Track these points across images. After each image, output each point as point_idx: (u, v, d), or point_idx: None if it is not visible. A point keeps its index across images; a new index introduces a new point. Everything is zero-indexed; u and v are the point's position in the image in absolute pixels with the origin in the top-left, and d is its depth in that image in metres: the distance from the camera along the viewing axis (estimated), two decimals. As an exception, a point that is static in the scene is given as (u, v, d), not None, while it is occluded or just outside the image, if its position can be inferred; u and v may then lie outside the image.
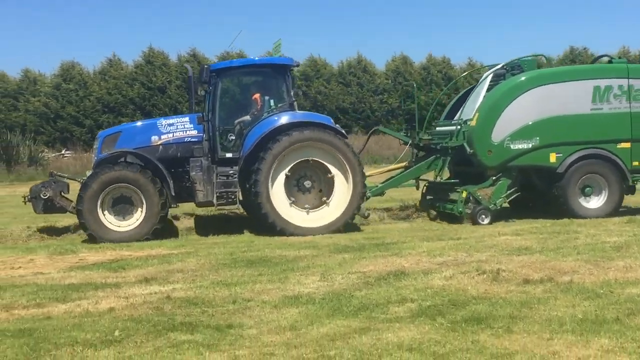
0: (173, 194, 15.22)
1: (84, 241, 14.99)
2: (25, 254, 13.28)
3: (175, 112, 53.05)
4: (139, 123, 18.12)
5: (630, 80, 16.40)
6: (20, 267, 11.76)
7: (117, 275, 10.67)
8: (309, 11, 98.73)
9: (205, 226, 16.54)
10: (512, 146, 15.97)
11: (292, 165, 15.26)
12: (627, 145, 16.38)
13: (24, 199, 15.67)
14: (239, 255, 12.07)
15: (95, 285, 9.90)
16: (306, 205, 15.46)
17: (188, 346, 6.79)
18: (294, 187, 15.51)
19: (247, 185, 15.31)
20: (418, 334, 6.99)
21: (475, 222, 15.77)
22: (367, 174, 16.47)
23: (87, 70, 54.33)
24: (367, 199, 16.78)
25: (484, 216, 15.89)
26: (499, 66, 17.43)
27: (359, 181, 15.40)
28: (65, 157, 46.10)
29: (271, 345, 6.80)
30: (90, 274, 10.82)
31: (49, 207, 15.46)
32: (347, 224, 15.46)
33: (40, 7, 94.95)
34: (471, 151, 16.19)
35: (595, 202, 16.37)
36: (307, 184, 15.59)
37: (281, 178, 15.26)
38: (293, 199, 15.39)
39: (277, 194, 15.21)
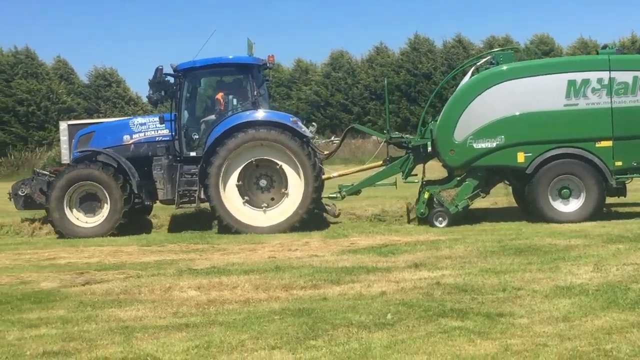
0: (136, 191, 15.58)
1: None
2: (301, 237, 13.99)
3: (441, 99, 53.26)
4: (113, 123, 18.85)
5: (612, 72, 14.54)
6: (297, 249, 12.42)
7: (387, 259, 10.96)
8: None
9: (473, 213, 16.46)
10: (475, 145, 14.78)
11: (246, 163, 15.30)
12: (609, 143, 14.61)
13: (9, 195, 16.63)
14: (507, 243, 11.95)
15: (367, 268, 10.24)
16: (263, 205, 15.49)
17: (459, 333, 6.85)
18: (254, 185, 15.61)
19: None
20: (703, 332, 6.59)
21: (431, 225, 14.87)
22: (339, 173, 16.38)
23: (355, 59, 55.86)
24: (343, 197, 16.18)
25: (441, 218, 14.93)
26: (483, 60, 16.00)
27: (311, 183, 15.14)
28: (334, 143, 47.75)
29: (544, 335, 6.70)
30: (361, 258, 11.19)
31: (29, 203, 16.34)
32: (293, 227, 15.09)
33: (310, 1, 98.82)
34: (430, 150, 15.33)
35: (573, 205, 14.83)
36: (262, 183, 15.60)
37: (234, 176, 15.31)
38: (247, 197, 15.44)
39: (229, 190, 15.30)
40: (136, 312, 8.19)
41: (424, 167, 16.25)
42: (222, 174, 15.18)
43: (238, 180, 15.36)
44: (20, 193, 16.33)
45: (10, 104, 50.50)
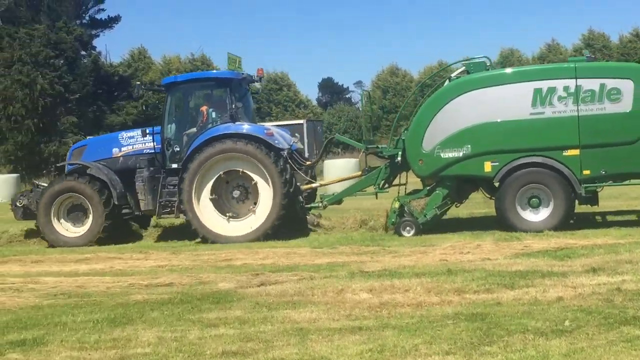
0: (117, 202, 16.25)
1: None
2: (473, 239, 13.77)
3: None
4: (104, 137, 19.64)
5: (578, 80, 14.27)
6: (468, 252, 12.25)
7: (563, 263, 10.62)
8: None
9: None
10: (442, 155, 14.78)
11: (217, 175, 15.85)
12: (576, 152, 14.32)
13: (11, 206, 17.25)
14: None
15: (542, 273, 9.95)
16: (231, 214, 15.96)
17: (643, 342, 6.55)
18: (230, 196, 16.16)
19: None
20: None
21: (399, 234, 14.90)
22: (320, 183, 17.22)
23: (525, 57, 54.66)
24: (325, 207, 16.55)
25: (408, 228, 14.96)
26: (458, 71, 15.49)
27: (279, 193, 15.47)
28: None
29: None
30: (535, 262, 10.89)
31: (28, 214, 16.91)
32: (267, 234, 15.51)
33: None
34: (398, 160, 15.42)
35: (543, 214, 14.58)
36: (236, 193, 16.09)
37: (207, 188, 15.85)
38: (221, 208, 15.96)
39: (203, 203, 15.84)
40: (310, 314, 8.32)
41: (403, 176, 16.23)
42: (194, 187, 15.77)
43: (212, 192, 15.92)
44: (18, 204, 17.19)
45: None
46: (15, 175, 37.33)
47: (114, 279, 11.50)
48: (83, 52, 54.41)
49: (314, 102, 69.81)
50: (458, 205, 15.91)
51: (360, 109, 17.82)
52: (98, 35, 60.03)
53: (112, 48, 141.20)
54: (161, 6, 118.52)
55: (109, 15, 60.34)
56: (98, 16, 60.38)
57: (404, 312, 8.20)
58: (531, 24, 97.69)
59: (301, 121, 50.58)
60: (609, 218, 16.07)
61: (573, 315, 7.57)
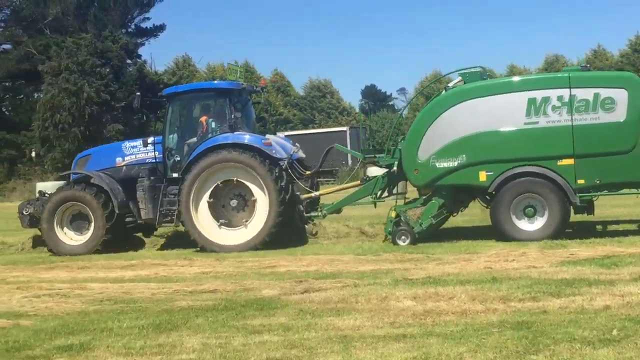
0: (117, 211, 16.46)
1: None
2: (518, 247, 13.64)
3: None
4: (107, 146, 19.90)
5: (572, 90, 14.23)
6: (513, 259, 12.12)
7: (610, 272, 10.47)
8: None
9: None
10: (437, 164, 14.80)
11: (215, 185, 16.04)
12: (570, 161, 14.26)
13: (18, 214, 17.42)
14: None
15: (589, 281, 9.83)
16: (224, 221, 16.11)
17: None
18: (228, 205, 16.32)
19: None
20: None
21: (394, 243, 14.90)
22: (318, 193, 17.18)
23: (571, 62, 54.10)
24: (324, 216, 16.63)
25: (404, 237, 14.95)
26: (455, 81, 15.39)
27: (274, 201, 15.56)
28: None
29: None
30: (582, 270, 10.76)
31: (34, 222, 17.21)
32: (265, 242, 15.64)
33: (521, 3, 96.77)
34: (394, 170, 15.54)
35: (538, 224, 14.55)
36: (233, 203, 16.24)
37: (205, 197, 16.02)
38: (220, 219, 16.10)
39: (201, 213, 16.03)
40: (354, 322, 8.30)
41: (400, 186, 16.21)
42: (192, 197, 15.92)
43: (210, 202, 16.06)
44: (24, 212, 17.40)
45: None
46: (62, 182, 37.77)
47: (159, 285, 11.60)
48: (128, 61, 55.11)
49: (357, 109, 69.80)
50: (455, 214, 16.05)
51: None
52: (143, 44, 60.88)
53: (157, 56, 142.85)
54: (206, 15, 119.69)
55: (154, 24, 61.18)
56: (143, 25, 61.24)
57: (448, 320, 8.15)
58: (577, 30, 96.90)
59: (344, 128, 50.72)
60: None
61: (621, 324, 7.47)
